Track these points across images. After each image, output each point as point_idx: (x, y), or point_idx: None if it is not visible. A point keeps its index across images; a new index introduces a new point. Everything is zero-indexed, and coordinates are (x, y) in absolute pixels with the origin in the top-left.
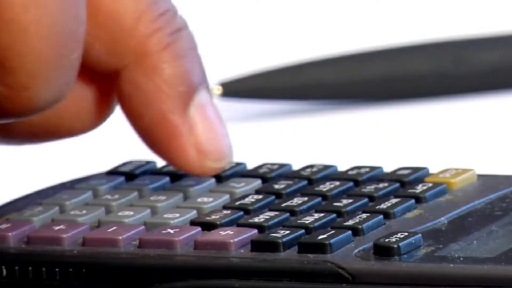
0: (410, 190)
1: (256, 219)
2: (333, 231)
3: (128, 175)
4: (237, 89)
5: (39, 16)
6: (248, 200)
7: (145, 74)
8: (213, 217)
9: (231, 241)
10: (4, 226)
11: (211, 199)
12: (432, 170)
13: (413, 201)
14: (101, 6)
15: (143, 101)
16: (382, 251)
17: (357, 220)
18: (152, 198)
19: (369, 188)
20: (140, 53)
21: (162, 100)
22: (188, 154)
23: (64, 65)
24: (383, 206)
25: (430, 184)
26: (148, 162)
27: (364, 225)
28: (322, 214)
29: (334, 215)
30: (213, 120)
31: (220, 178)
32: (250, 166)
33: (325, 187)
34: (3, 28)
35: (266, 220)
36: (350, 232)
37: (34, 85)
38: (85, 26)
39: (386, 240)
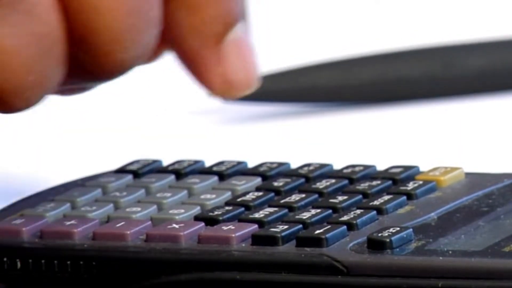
0: (401, 187)
1: (257, 215)
2: (329, 226)
3: (135, 173)
4: None
5: None
6: (249, 196)
7: (185, 10)
8: (216, 213)
9: (233, 235)
10: (18, 221)
11: (214, 196)
12: (423, 168)
13: (404, 197)
14: None
15: (180, 35)
16: (375, 245)
17: (352, 216)
18: (158, 195)
19: (363, 186)
20: None
21: (196, 37)
22: (214, 82)
23: (144, 25)
24: (376, 202)
25: (421, 182)
26: (154, 161)
27: (358, 220)
28: (318, 210)
29: (330, 211)
30: (244, 53)
31: (222, 176)
32: (251, 164)
33: (321, 184)
34: None
35: (266, 215)
36: (345, 227)
37: (118, 48)
38: None
39: (379, 234)
